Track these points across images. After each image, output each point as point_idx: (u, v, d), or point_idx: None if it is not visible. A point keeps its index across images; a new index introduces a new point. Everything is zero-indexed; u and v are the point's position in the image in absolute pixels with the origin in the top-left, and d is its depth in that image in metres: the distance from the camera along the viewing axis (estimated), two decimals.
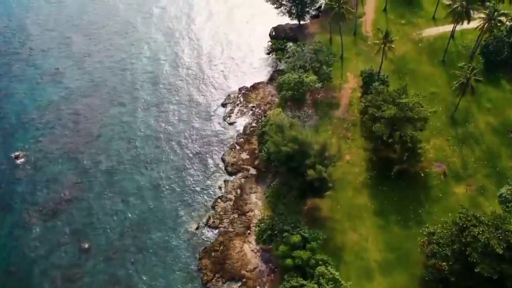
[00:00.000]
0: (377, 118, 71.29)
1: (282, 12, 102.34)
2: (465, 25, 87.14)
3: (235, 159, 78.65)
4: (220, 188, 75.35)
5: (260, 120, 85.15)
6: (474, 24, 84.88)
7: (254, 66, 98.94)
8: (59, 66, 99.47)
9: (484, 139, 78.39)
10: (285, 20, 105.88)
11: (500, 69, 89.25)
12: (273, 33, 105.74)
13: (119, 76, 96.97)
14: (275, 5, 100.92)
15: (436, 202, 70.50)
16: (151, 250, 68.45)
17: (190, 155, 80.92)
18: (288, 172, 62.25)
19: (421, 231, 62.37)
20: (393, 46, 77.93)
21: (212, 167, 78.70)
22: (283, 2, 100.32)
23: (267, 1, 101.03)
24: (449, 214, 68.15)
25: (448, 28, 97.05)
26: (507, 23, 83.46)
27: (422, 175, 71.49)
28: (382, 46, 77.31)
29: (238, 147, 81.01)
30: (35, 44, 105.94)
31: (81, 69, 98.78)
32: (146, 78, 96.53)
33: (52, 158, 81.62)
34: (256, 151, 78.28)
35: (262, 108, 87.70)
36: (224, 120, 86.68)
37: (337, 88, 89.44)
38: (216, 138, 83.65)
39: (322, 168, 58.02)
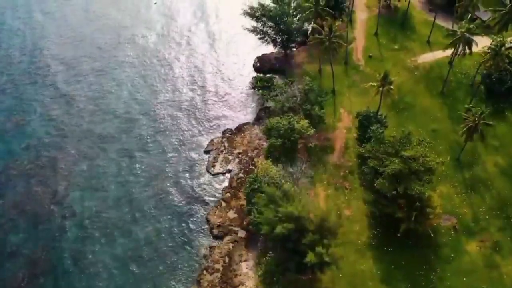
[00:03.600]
0: (379, 172, 63.70)
1: (266, 41, 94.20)
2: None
3: (221, 220, 69.99)
4: (205, 256, 66.51)
5: (247, 169, 76.81)
6: (475, 48, 77.97)
7: (237, 103, 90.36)
8: (21, 112, 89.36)
9: (494, 184, 71.42)
10: (270, 48, 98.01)
11: (503, 99, 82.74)
12: (257, 64, 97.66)
13: (89, 123, 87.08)
14: (259, 36, 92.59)
15: (448, 263, 63.12)
16: None
17: (170, 217, 71.65)
18: (283, 250, 54.08)
19: None
20: (392, 87, 70.29)
21: (195, 231, 69.65)
22: (267, 32, 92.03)
23: (249, 32, 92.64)
24: (464, 278, 61.38)
25: (445, 53, 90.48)
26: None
27: (432, 234, 63.86)
28: (381, 88, 69.41)
29: (224, 204, 72.37)
30: None
31: (47, 115, 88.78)
32: (118, 123, 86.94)
33: (13, 225, 71.63)
34: (245, 208, 69.70)
35: (249, 154, 79.20)
36: (208, 171, 77.75)
37: (330, 128, 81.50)
38: (199, 194, 74.64)
39: (323, 251, 49.89)
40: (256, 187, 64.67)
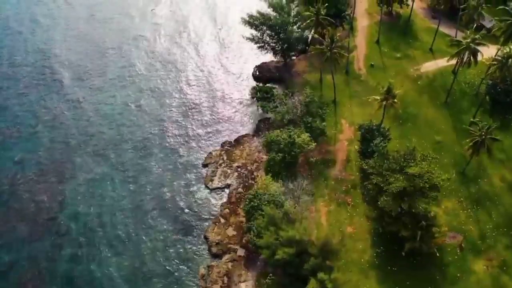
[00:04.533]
0: (383, 189, 61.62)
1: (266, 49, 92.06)
2: None
3: (220, 237, 67.80)
4: (203, 276, 64.26)
5: (247, 183, 74.73)
6: (479, 57, 75.70)
7: (236, 114, 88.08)
8: (21, 121, 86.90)
9: (501, 199, 69.38)
10: (269, 56, 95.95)
11: (509, 111, 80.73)
12: (257, 73, 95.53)
13: (84, 135, 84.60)
14: (258, 45, 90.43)
15: (455, 284, 60.98)
16: None
17: (167, 233, 69.26)
18: (283, 274, 51.97)
19: None
20: (396, 101, 68.16)
21: (193, 249, 67.38)
22: (267, 40, 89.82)
23: (247, 40, 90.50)
24: None
25: (448, 61, 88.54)
26: None
27: (437, 254, 61.69)
28: (384, 102, 67.24)
29: (223, 220, 70.18)
30: None
31: (46, 124, 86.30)
32: (115, 134, 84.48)
33: (5, 245, 69.00)
34: (244, 225, 67.57)
35: (248, 168, 77.01)
36: (206, 185, 75.44)
37: (332, 140, 79.36)
38: (197, 210, 72.34)
39: (325, 277, 47.83)
40: (256, 204, 62.63)
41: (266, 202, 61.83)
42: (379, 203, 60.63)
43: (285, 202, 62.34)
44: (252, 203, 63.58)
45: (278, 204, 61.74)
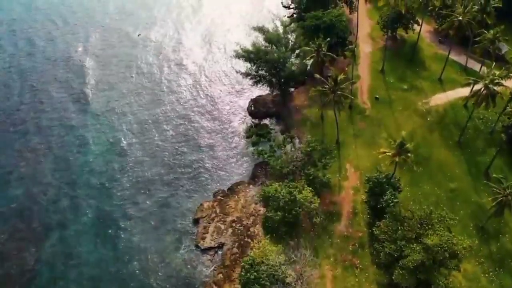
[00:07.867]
0: (396, 260, 54.38)
1: (262, 83, 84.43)
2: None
3: None
4: None
5: (242, 241, 67.11)
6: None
7: (230, 157, 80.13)
8: None
9: None
10: (266, 87, 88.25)
11: None
12: (252, 108, 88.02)
13: (61, 185, 76.31)
14: (253, 80, 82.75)
15: None
16: None
17: None
18: None
19: None
20: (409, 154, 60.76)
21: None
22: (263, 74, 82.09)
23: (243, 76, 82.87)
24: None
25: (459, 93, 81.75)
26: None
27: None
28: (396, 158, 59.77)
29: None
30: None
31: (9, 173, 78.22)
32: (95, 182, 76.46)
33: None
34: None
35: (244, 223, 69.29)
36: (197, 245, 67.66)
37: (336, 188, 71.89)
38: (186, 275, 64.17)
39: None
40: (253, 277, 54.97)
41: (264, 275, 54.31)
42: (393, 277, 53.40)
43: (286, 274, 54.95)
44: (248, 274, 55.90)
45: (278, 278, 54.27)
